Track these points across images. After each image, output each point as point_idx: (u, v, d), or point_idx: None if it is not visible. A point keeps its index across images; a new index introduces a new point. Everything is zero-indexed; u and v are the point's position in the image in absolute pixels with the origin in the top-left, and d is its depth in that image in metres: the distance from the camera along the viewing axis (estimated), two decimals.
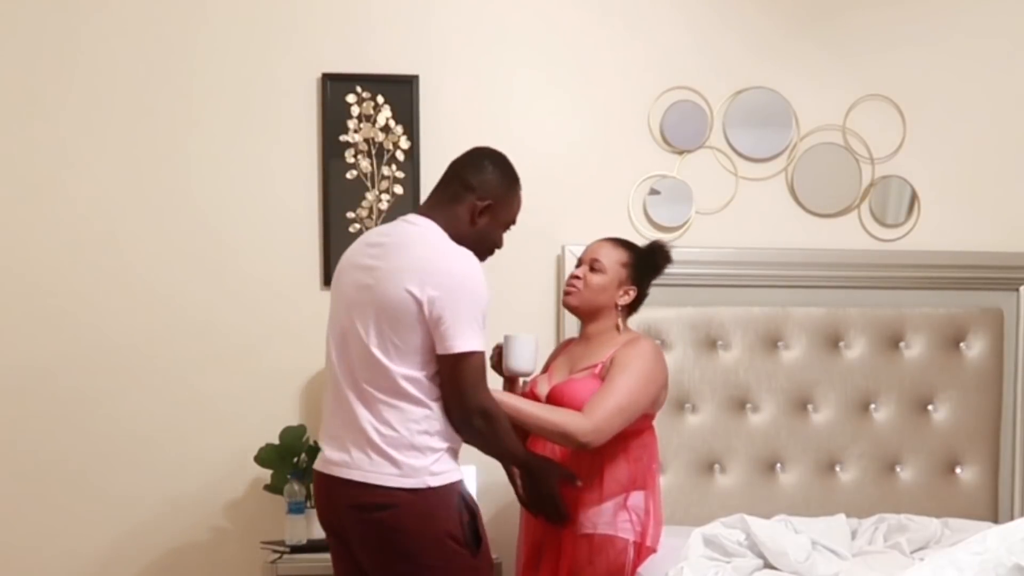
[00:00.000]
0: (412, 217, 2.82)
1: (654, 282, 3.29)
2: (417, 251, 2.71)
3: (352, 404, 2.72)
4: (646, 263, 3.20)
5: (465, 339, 2.65)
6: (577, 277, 3.16)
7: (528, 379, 3.20)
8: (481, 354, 2.70)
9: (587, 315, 3.18)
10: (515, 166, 3.77)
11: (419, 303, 2.64)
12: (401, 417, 2.68)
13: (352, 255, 2.84)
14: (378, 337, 2.69)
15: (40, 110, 3.70)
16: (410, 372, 2.68)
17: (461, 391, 2.69)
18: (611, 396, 2.97)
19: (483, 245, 2.83)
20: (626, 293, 3.16)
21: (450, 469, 2.73)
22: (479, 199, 2.80)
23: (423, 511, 2.68)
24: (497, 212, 2.84)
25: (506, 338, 3.03)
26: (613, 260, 3.15)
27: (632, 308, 3.21)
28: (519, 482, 3.05)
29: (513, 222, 2.93)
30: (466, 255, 2.73)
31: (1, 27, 3.68)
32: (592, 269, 3.15)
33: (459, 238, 2.77)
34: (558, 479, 2.98)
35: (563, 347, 3.34)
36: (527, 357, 3.06)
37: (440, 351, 2.67)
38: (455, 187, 2.82)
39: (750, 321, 3.80)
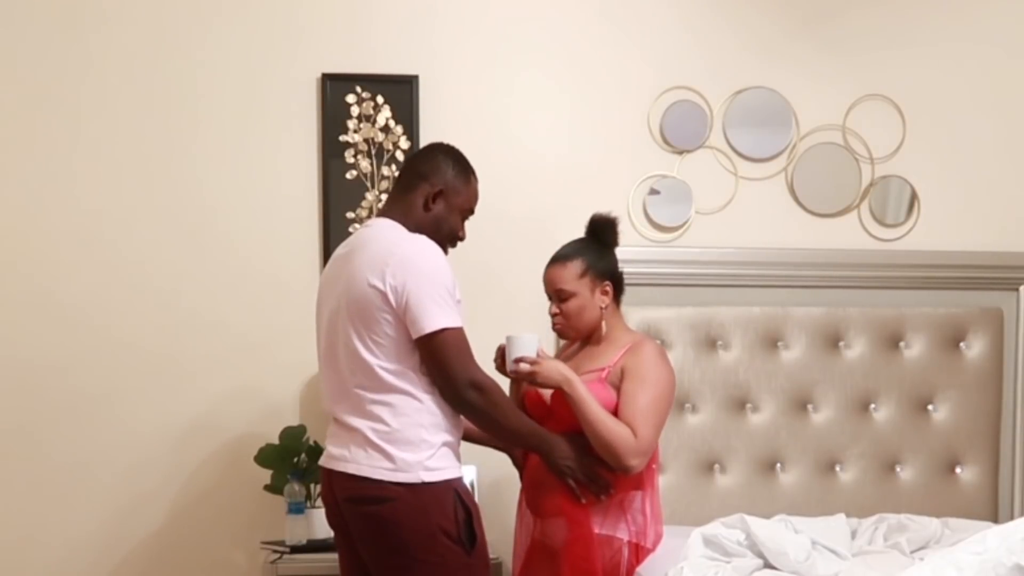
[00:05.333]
0: (369, 221, 2.96)
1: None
2: (374, 247, 2.77)
3: (347, 418, 2.78)
4: (599, 250, 3.16)
5: (434, 318, 2.69)
6: (556, 313, 3.15)
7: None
8: (456, 330, 2.73)
9: (586, 334, 3.18)
10: (514, 166, 3.82)
11: (383, 294, 2.70)
12: (392, 412, 2.73)
13: (325, 272, 2.96)
14: (358, 337, 2.74)
15: (44, 110, 3.70)
16: (394, 366, 2.73)
17: (446, 368, 2.72)
18: (649, 418, 2.97)
19: (441, 232, 2.88)
20: (603, 293, 3.14)
21: (447, 466, 2.76)
22: (431, 185, 2.87)
23: (417, 506, 2.70)
24: (450, 198, 2.89)
25: (508, 338, 3.03)
26: (572, 278, 3.11)
27: (618, 296, 3.19)
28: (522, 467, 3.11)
29: (470, 211, 2.97)
30: (420, 239, 2.79)
31: (9, 29, 3.68)
32: (561, 300, 3.13)
33: (417, 226, 2.84)
34: (573, 460, 2.97)
35: (566, 348, 3.34)
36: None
37: (414, 335, 2.71)
38: (408, 178, 2.92)
39: (750, 321, 3.80)
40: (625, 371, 3.05)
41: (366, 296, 2.72)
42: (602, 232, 3.18)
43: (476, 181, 2.97)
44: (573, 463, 2.96)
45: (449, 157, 2.93)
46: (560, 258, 3.16)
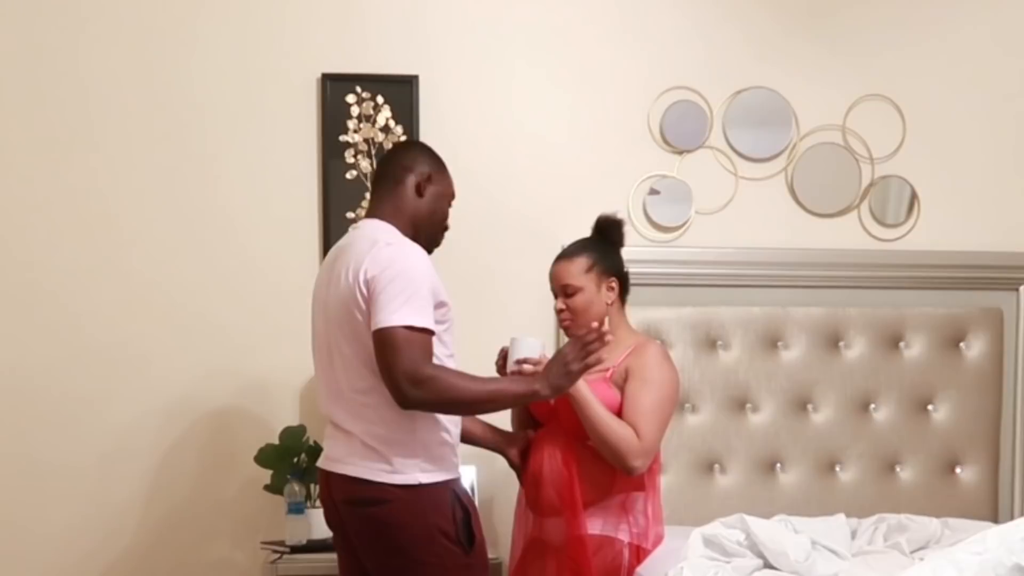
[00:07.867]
0: (359, 223, 2.94)
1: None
2: (358, 248, 2.75)
3: (343, 420, 2.77)
4: (605, 247, 3.18)
5: (387, 314, 2.59)
6: (562, 310, 3.15)
7: None
8: (410, 328, 2.59)
9: None
10: (514, 166, 3.83)
11: (362, 292, 2.67)
12: (389, 415, 2.70)
13: (318, 276, 2.94)
14: (348, 340, 2.72)
15: (40, 108, 3.70)
16: None
17: (388, 367, 2.59)
18: (652, 419, 2.99)
19: (434, 219, 2.88)
20: (609, 288, 3.15)
21: (444, 467, 2.75)
22: (419, 173, 2.86)
23: (415, 507, 2.69)
24: (438, 182, 2.89)
25: (512, 340, 3.02)
26: (579, 272, 3.13)
27: (623, 294, 3.20)
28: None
29: (452, 196, 2.96)
30: (403, 242, 2.75)
31: (6, 26, 3.68)
32: (568, 295, 3.13)
33: (412, 216, 2.83)
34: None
35: None
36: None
37: (372, 329, 2.64)
38: (393, 172, 2.89)
39: (750, 321, 3.80)
40: (629, 372, 3.05)
41: (350, 298, 2.70)
42: (608, 231, 3.20)
43: (449, 175, 2.96)
44: (563, 370, 2.77)
45: (424, 149, 2.94)
46: (567, 254, 3.18)
